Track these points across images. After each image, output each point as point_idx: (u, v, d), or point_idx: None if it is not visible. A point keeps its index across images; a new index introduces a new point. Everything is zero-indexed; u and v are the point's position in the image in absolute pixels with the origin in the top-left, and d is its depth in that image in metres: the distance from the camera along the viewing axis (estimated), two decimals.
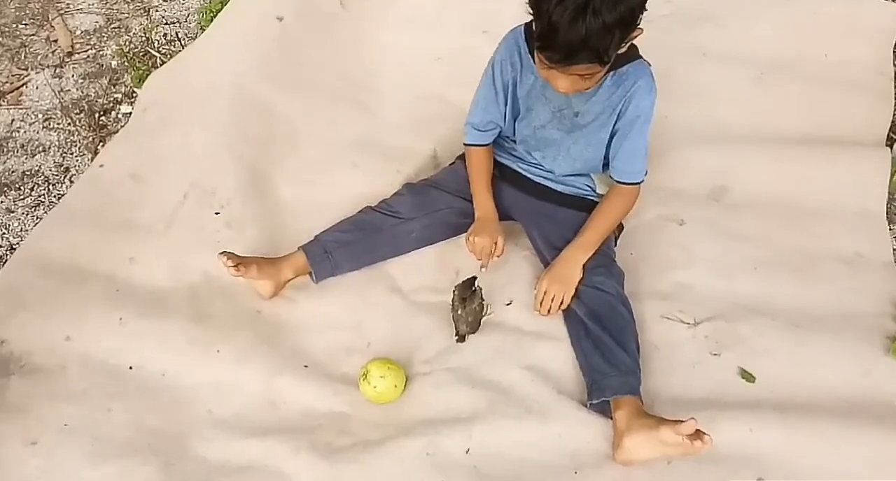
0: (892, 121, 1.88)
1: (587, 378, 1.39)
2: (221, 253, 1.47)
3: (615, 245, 1.60)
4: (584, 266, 1.49)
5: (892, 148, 1.80)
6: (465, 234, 1.57)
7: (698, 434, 1.18)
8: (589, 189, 1.62)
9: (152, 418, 1.39)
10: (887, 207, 1.70)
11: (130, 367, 1.46)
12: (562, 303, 1.48)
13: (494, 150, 1.67)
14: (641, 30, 1.24)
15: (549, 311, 1.49)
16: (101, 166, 1.81)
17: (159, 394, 1.42)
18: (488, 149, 1.63)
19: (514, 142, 1.62)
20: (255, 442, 1.34)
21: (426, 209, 1.62)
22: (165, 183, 1.74)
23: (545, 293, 1.49)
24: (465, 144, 1.62)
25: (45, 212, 1.79)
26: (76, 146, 1.95)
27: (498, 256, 1.56)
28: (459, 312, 1.48)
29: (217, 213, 1.70)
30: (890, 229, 1.66)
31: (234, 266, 1.46)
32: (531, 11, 1.21)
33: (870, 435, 1.28)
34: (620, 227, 1.63)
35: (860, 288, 1.53)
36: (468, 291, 1.49)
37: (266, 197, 1.74)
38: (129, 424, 1.37)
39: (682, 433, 1.18)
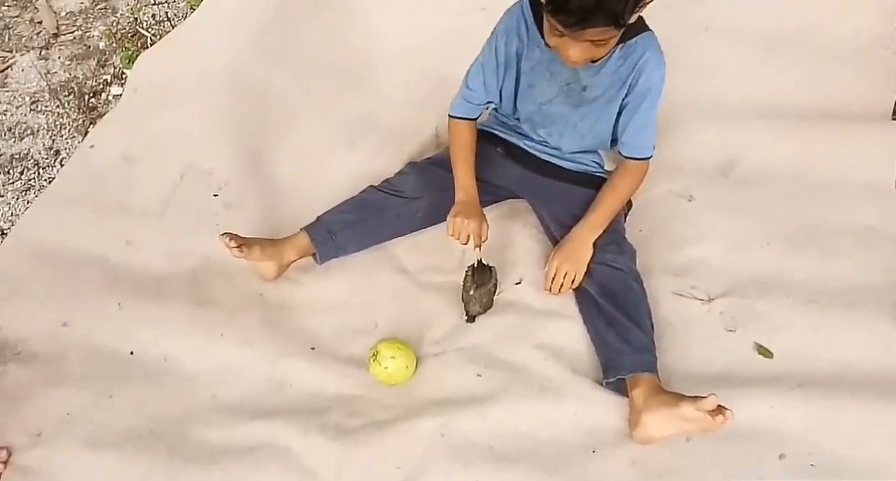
0: None
1: (602, 356, 1.37)
2: (223, 234, 1.42)
3: (625, 222, 1.57)
4: (594, 243, 1.46)
5: None
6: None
7: (720, 409, 1.16)
8: (597, 166, 1.59)
9: (154, 404, 1.34)
10: None
11: (131, 353, 1.41)
12: (573, 281, 1.45)
13: (499, 128, 1.63)
14: None
15: (559, 290, 1.45)
16: (92, 147, 1.75)
17: (161, 380, 1.38)
18: (473, 125, 1.57)
19: (518, 120, 1.58)
20: (261, 424, 1.30)
21: (431, 188, 1.57)
22: (159, 164, 1.68)
23: (556, 272, 1.45)
24: (450, 116, 1.56)
25: (36, 196, 1.73)
26: (66, 129, 1.89)
27: (484, 241, 1.48)
28: (472, 293, 1.45)
29: (215, 195, 1.65)
30: None
31: (237, 247, 1.41)
32: None
33: (891, 408, 1.26)
34: (629, 204, 1.60)
35: (872, 261, 1.50)
36: (485, 275, 1.46)
37: (265, 177, 1.69)
38: (130, 411, 1.33)
39: (703, 408, 1.16)
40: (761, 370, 1.34)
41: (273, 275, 1.53)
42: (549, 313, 1.46)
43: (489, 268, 1.48)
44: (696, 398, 1.17)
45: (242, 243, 1.43)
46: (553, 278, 1.46)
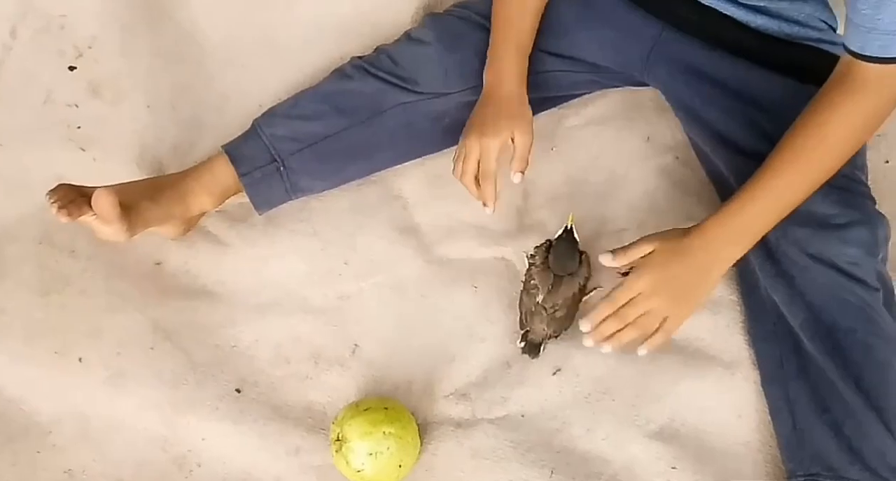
0: None
1: (795, 466, 0.68)
2: (51, 193, 0.72)
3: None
4: (807, 216, 0.68)
5: None
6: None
7: None
8: (822, 26, 0.75)
9: None
10: None
11: None
12: (657, 332, 0.69)
13: None
14: None
15: (608, 341, 0.68)
16: None
17: None
18: None
19: None
20: None
21: (470, 73, 0.79)
22: None
23: (631, 299, 0.68)
24: None
25: None
26: None
27: (521, 172, 0.76)
28: (541, 299, 0.74)
29: (72, 68, 0.90)
30: None
31: (104, 214, 0.71)
32: None
33: None
34: None
35: None
36: (568, 261, 0.74)
37: (162, 32, 0.91)
38: None
39: None
40: None
41: (176, 232, 0.84)
42: (688, 348, 0.75)
43: (578, 251, 0.75)
44: None
45: (85, 203, 0.71)
46: (616, 303, 0.68)
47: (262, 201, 0.83)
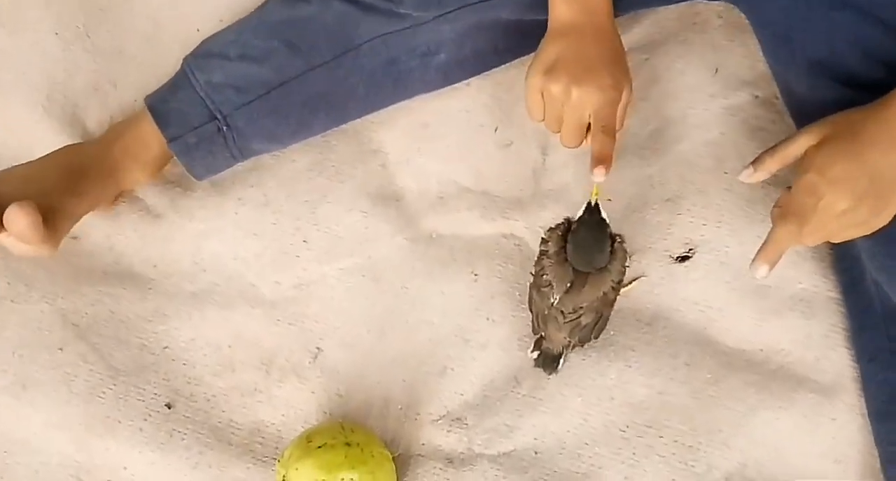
0: None
1: None
2: None
3: None
4: None
5: None
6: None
7: None
8: None
9: None
10: None
11: None
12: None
13: None
14: None
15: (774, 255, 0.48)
16: None
17: None
18: None
19: None
20: None
21: None
22: None
23: (802, 202, 0.47)
24: None
25: None
26: None
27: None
28: (556, 300, 0.54)
29: None
30: None
31: None
32: None
33: None
34: None
35: None
36: (598, 247, 0.53)
37: None
38: None
39: None
40: None
41: (103, 207, 0.65)
42: (770, 369, 0.54)
43: (608, 237, 0.53)
44: None
45: None
46: (789, 218, 0.47)
47: (202, 171, 0.63)
